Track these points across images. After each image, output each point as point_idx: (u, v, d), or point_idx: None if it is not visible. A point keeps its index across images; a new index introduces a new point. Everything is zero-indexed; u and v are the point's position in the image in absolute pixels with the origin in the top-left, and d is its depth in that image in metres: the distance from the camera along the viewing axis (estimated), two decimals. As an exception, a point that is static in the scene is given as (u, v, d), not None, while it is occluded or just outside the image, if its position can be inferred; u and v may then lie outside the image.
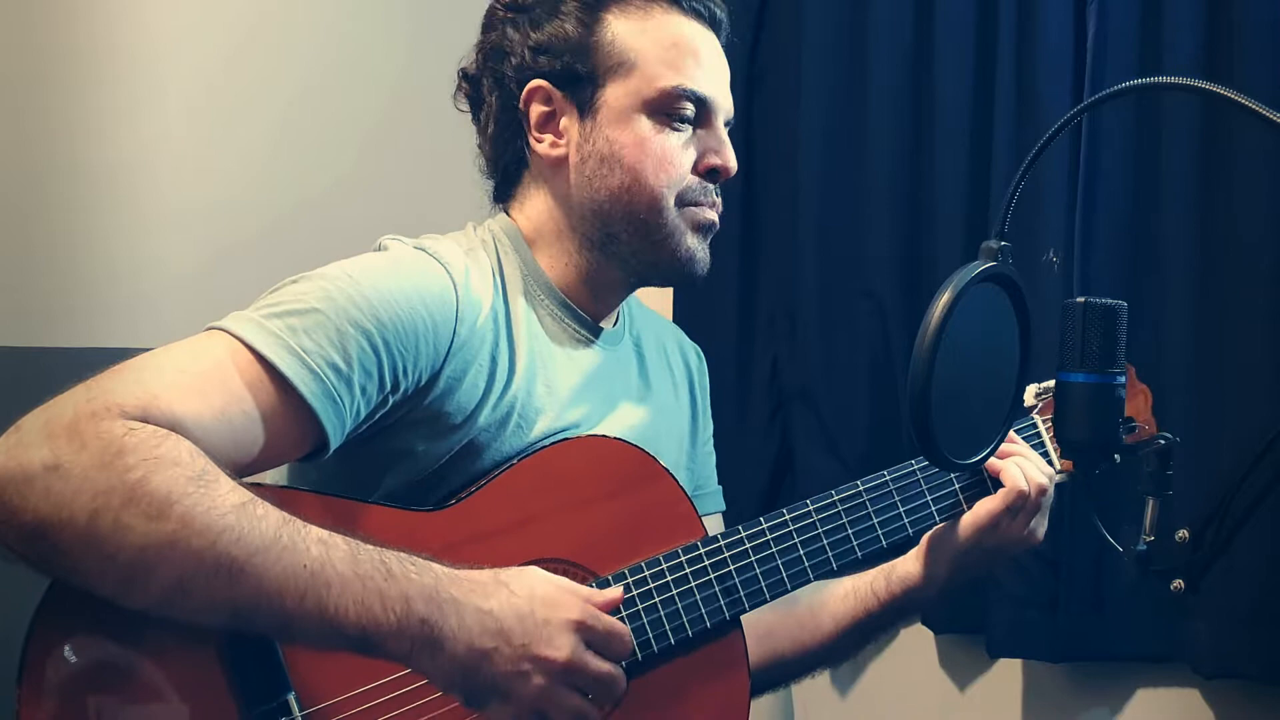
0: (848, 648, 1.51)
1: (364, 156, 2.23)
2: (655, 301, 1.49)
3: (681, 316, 2.28)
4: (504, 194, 1.44)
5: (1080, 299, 1.03)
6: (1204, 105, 1.82)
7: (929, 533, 1.42)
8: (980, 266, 0.99)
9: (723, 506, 1.56)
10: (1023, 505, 1.38)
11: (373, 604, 1.08)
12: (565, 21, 1.36)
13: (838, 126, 2.16)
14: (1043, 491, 1.39)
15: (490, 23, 1.42)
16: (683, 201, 1.36)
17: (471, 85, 1.44)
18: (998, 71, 1.98)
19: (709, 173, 1.37)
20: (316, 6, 2.22)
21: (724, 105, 1.39)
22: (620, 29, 1.36)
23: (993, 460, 1.38)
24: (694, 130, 1.37)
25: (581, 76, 1.35)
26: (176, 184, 2.04)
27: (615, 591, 1.24)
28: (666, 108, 1.35)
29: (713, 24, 1.40)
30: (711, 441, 1.58)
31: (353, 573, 1.09)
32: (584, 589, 1.21)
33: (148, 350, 1.13)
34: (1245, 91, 0.96)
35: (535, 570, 1.19)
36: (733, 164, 1.39)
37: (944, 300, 0.96)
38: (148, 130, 2.02)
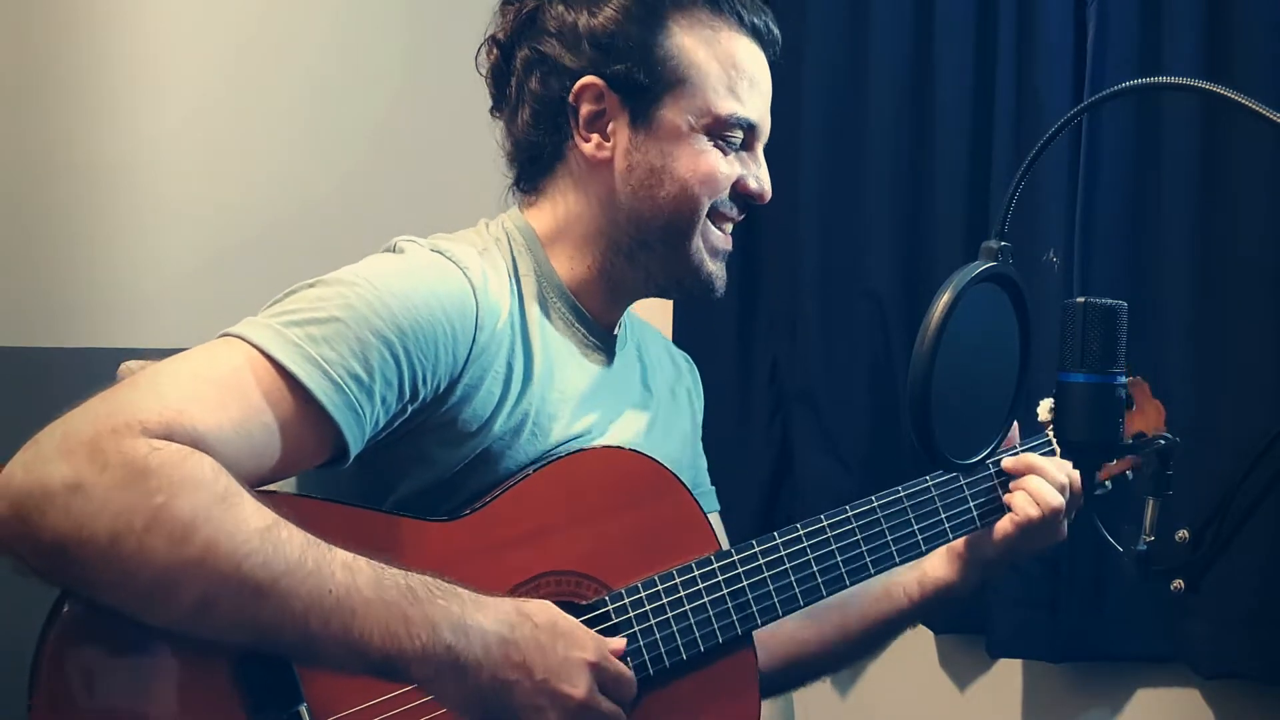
0: (868, 647, 1.53)
1: (366, 156, 2.23)
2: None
3: (682, 317, 2.28)
4: (529, 184, 1.39)
5: (1080, 299, 1.02)
6: (1204, 105, 1.82)
7: (966, 538, 1.43)
8: (980, 266, 0.99)
9: (717, 506, 1.55)
10: (1036, 525, 1.39)
11: (398, 629, 1.08)
12: (625, 18, 1.31)
13: (838, 126, 2.16)
14: (1057, 511, 1.40)
15: None
16: (712, 211, 1.35)
17: (502, 54, 1.38)
18: (998, 71, 1.98)
19: (744, 193, 1.37)
20: (318, 6, 2.22)
21: (767, 129, 1.39)
22: (685, 42, 1.32)
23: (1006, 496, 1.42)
24: (738, 150, 1.36)
25: (641, 86, 1.31)
26: (177, 184, 2.04)
27: (619, 642, 1.23)
28: (719, 132, 1.33)
29: (769, 43, 1.39)
30: (701, 444, 1.57)
31: (378, 598, 1.08)
32: (595, 634, 1.21)
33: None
34: (1245, 91, 0.96)
35: (551, 604, 1.19)
36: (769, 191, 1.38)
37: (944, 300, 0.96)
38: (148, 130, 2.02)
